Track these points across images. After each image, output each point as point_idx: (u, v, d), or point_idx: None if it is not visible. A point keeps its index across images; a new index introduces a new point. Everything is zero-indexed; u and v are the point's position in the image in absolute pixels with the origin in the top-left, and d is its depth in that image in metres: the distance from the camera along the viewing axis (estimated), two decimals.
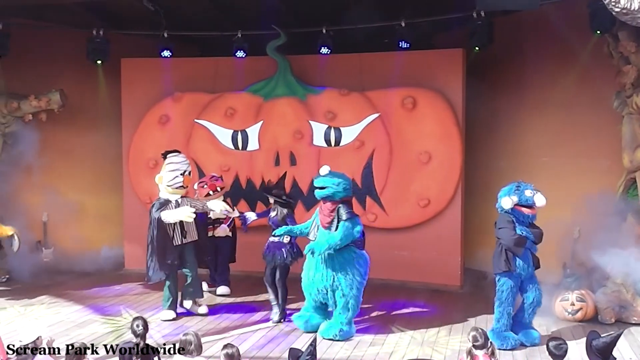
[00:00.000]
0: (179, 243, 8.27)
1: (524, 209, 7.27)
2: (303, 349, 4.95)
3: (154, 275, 8.30)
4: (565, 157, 9.56)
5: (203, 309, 8.49)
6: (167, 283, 8.36)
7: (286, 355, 5.09)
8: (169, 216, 8.08)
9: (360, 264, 7.59)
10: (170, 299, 8.34)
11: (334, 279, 7.49)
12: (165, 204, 8.20)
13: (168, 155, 8.41)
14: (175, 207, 8.13)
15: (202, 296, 8.67)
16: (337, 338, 7.42)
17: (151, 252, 8.28)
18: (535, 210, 7.29)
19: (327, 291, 7.57)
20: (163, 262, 8.22)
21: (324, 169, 7.64)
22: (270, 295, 8.32)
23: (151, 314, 8.37)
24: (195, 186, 9.42)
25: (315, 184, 7.62)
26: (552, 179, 8.94)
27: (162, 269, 8.24)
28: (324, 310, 7.85)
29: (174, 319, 8.22)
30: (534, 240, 7.32)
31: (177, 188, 8.25)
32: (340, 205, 7.48)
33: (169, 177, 8.22)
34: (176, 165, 8.29)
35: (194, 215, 8.06)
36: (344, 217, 7.40)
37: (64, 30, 10.78)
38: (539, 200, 7.19)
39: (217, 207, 8.22)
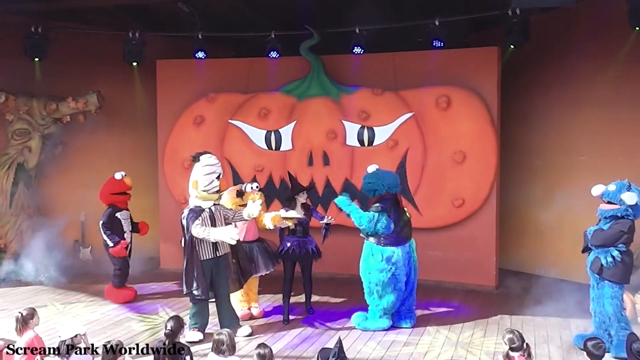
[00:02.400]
0: (210, 257, 7.53)
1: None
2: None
3: (202, 293, 7.48)
4: (604, 156, 9.39)
5: (244, 330, 7.68)
6: (197, 307, 7.62)
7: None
8: (211, 235, 7.28)
9: (378, 259, 7.77)
10: (199, 324, 7.58)
11: (362, 272, 7.95)
12: (200, 214, 7.42)
13: (201, 157, 7.61)
14: (209, 217, 7.44)
15: (238, 324, 7.72)
16: (358, 327, 7.87)
17: (191, 268, 7.49)
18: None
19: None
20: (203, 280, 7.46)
21: (372, 167, 8.08)
22: (284, 297, 8.33)
23: (187, 312, 8.44)
24: None
25: (365, 180, 8.06)
26: (590, 178, 8.73)
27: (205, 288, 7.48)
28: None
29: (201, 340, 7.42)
30: None
31: (213, 193, 7.55)
32: (376, 202, 7.82)
33: (205, 181, 7.45)
34: (212, 167, 7.53)
35: (238, 237, 7.25)
36: (371, 208, 7.83)
37: (101, 32, 10.95)
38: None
39: (254, 210, 7.49)
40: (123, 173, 9.42)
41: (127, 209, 9.48)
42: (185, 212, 7.58)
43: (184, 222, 7.54)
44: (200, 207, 7.49)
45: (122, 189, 9.37)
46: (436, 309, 8.82)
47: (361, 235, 7.96)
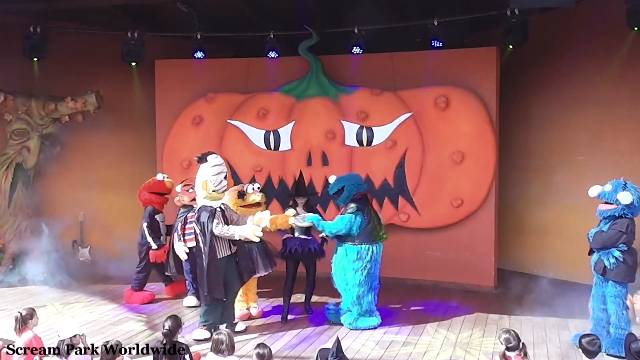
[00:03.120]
0: (226, 255, 7.59)
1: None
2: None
3: (221, 293, 7.55)
4: (603, 156, 9.39)
5: (240, 327, 7.82)
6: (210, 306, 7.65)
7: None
8: (236, 233, 7.42)
9: (352, 258, 7.83)
10: (210, 321, 7.56)
11: (336, 274, 8.00)
12: (214, 213, 7.47)
13: (208, 158, 7.60)
14: (222, 215, 7.51)
15: (234, 319, 7.83)
16: (350, 327, 7.85)
17: (213, 269, 7.49)
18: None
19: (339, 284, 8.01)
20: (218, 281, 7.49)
21: (332, 178, 8.19)
22: (285, 296, 8.35)
23: (187, 312, 8.45)
24: (179, 188, 9.14)
25: (331, 192, 8.14)
26: (588, 178, 8.77)
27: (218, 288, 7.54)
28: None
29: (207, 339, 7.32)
30: None
31: (222, 192, 7.68)
32: (351, 203, 7.89)
33: (215, 181, 7.49)
34: (220, 167, 7.59)
35: (261, 232, 7.47)
36: (346, 211, 7.90)
37: (100, 32, 10.94)
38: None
39: (265, 222, 7.58)
40: (165, 175, 9.46)
41: (162, 212, 9.41)
42: (200, 213, 7.55)
43: (197, 224, 7.54)
44: (211, 206, 7.52)
45: (162, 190, 9.30)
46: (435, 309, 8.83)
47: (330, 239, 8.07)
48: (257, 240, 7.49)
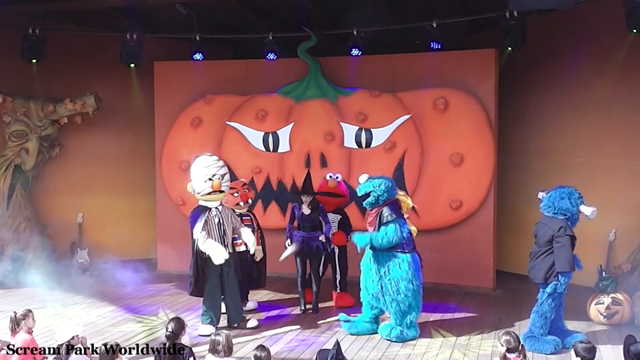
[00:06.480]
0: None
1: None
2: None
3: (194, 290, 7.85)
4: (601, 158, 9.40)
5: (252, 323, 7.93)
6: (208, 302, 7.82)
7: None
8: (206, 244, 7.45)
9: (404, 266, 7.39)
10: (210, 317, 7.77)
11: (381, 284, 7.46)
12: (203, 212, 7.58)
13: (196, 159, 7.78)
14: (216, 217, 7.59)
15: (241, 318, 7.94)
16: (392, 339, 7.43)
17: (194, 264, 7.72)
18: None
19: (378, 296, 7.55)
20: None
21: (363, 177, 7.63)
22: (300, 290, 8.59)
23: (187, 314, 8.43)
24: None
25: (358, 194, 7.56)
26: (587, 180, 8.80)
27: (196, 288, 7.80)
28: (377, 315, 7.80)
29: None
30: None
31: (207, 195, 7.62)
32: (383, 207, 7.42)
33: (196, 184, 7.64)
34: (201, 169, 7.62)
35: (227, 257, 7.42)
36: (384, 219, 7.36)
37: (99, 34, 10.96)
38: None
39: (249, 239, 7.81)
40: (331, 174, 9.19)
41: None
42: (195, 211, 7.74)
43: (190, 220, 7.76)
44: (204, 206, 7.67)
45: (324, 190, 8.96)
46: (434, 310, 8.82)
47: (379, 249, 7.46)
48: (217, 263, 7.39)
